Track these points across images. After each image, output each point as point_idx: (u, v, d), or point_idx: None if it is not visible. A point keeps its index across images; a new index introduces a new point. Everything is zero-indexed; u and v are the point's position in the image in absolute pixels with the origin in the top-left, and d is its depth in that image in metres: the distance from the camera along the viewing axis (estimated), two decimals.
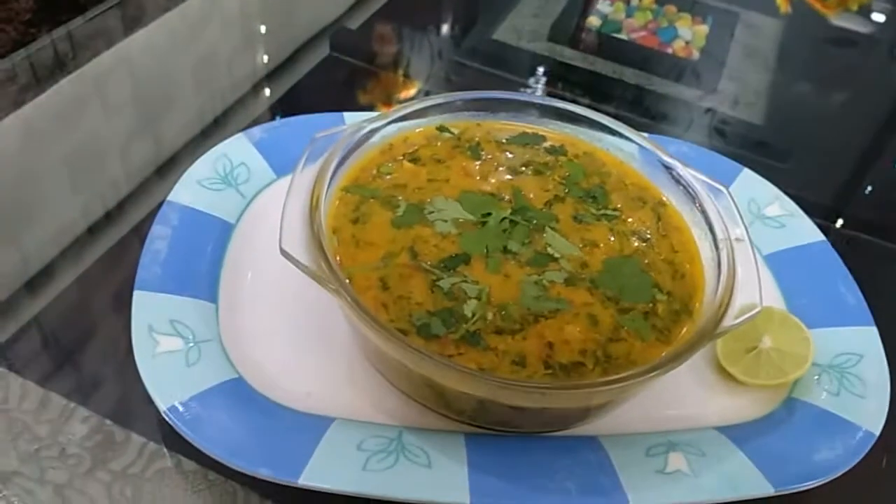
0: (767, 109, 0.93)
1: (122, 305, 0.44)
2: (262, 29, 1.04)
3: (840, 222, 0.69)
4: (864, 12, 1.22)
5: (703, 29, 1.04)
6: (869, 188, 0.82)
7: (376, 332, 0.37)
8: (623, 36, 1.01)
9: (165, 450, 0.43)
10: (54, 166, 0.66)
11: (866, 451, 0.42)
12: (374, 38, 0.98)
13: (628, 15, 1.06)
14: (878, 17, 1.22)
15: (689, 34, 1.03)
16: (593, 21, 1.03)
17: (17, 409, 0.44)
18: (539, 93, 0.88)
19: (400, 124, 0.50)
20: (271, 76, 0.96)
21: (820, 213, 0.61)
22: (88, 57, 0.81)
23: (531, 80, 0.93)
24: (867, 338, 0.47)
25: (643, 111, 0.90)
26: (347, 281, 0.40)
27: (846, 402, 0.44)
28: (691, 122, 0.90)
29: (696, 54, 1.00)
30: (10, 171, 0.63)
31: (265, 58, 1.00)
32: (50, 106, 0.74)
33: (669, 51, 1.00)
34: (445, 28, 1.04)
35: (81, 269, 0.54)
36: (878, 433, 0.42)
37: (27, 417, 0.44)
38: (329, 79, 0.90)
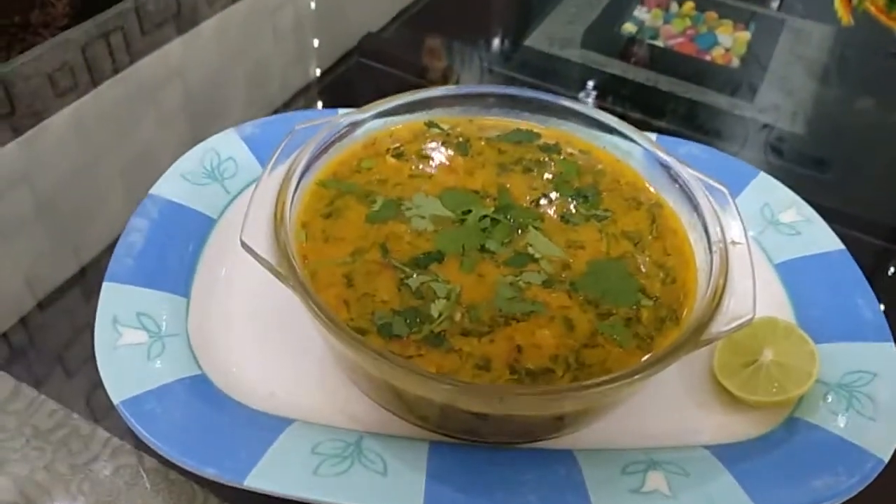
0: (810, 120, 0.89)
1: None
2: (307, 37, 1.05)
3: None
4: None
5: (745, 36, 1.01)
6: None
7: (330, 330, 0.35)
8: (659, 43, 0.99)
9: (129, 446, 0.42)
10: (107, 170, 0.67)
11: (872, 478, 0.38)
12: (401, 44, 0.98)
13: (666, 21, 1.03)
14: None
15: (730, 41, 1.00)
16: (629, 27, 1.01)
17: None
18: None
19: (386, 119, 0.48)
20: (314, 82, 0.97)
21: (846, 223, 0.57)
22: (138, 61, 0.83)
23: (561, 87, 0.91)
24: (883, 355, 0.43)
25: (677, 119, 0.87)
26: (309, 276, 0.38)
27: (854, 424, 0.40)
28: (726, 131, 0.87)
29: (735, 62, 0.97)
30: (65, 166, 0.64)
31: (309, 64, 1.01)
32: (100, 106, 0.76)
33: (708, 58, 0.97)
34: (474, 36, 1.03)
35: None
36: (887, 459, 0.38)
37: None
38: (354, 82, 0.90)
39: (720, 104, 0.88)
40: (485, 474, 0.37)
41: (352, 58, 0.93)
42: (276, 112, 0.81)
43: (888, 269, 0.64)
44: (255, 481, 0.35)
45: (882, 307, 0.46)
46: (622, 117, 0.83)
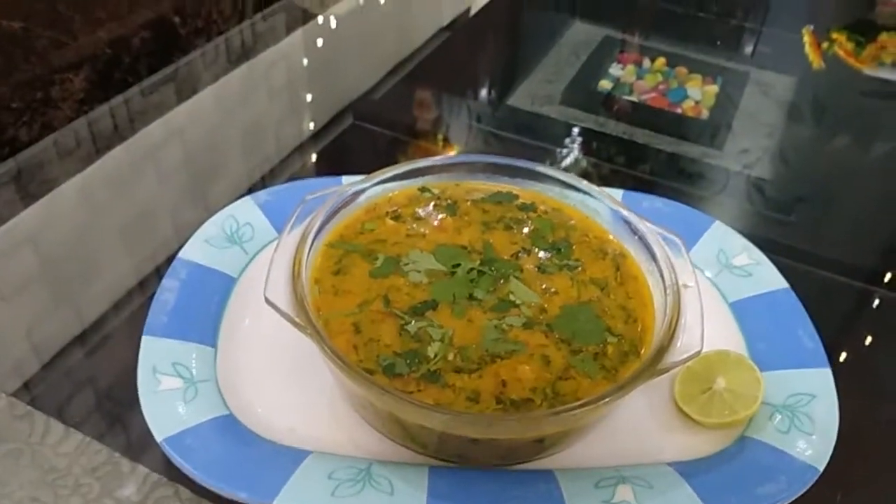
0: (775, 165, 0.96)
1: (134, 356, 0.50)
2: (302, 96, 1.12)
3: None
4: None
5: (713, 89, 1.08)
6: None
7: (343, 370, 0.42)
8: (634, 98, 1.06)
9: (165, 479, 0.48)
10: (109, 230, 0.73)
11: (809, 485, 0.44)
12: (394, 107, 1.05)
13: (639, 77, 1.11)
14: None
15: (699, 94, 1.07)
16: (605, 84, 1.08)
17: (41, 443, 0.50)
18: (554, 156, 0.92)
19: (384, 185, 0.55)
20: (308, 142, 1.04)
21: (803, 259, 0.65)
22: (140, 126, 0.90)
23: (542, 142, 0.98)
24: (821, 379, 0.50)
25: (652, 169, 0.94)
26: (323, 326, 0.45)
27: (795, 440, 0.46)
28: (697, 178, 0.93)
29: (705, 113, 1.04)
30: (68, 234, 0.71)
31: (304, 123, 1.08)
32: (105, 173, 0.82)
33: (679, 111, 1.04)
34: (461, 97, 1.11)
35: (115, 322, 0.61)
36: (821, 468, 0.45)
37: (47, 451, 0.49)
38: (350, 145, 0.97)
39: (692, 153, 0.95)
40: (477, 492, 0.43)
41: (346, 118, 1.00)
42: (273, 169, 0.88)
43: (840, 300, 0.70)
44: (283, 502, 0.41)
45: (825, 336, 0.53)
46: (600, 169, 0.91)
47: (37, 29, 1.07)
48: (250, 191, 0.81)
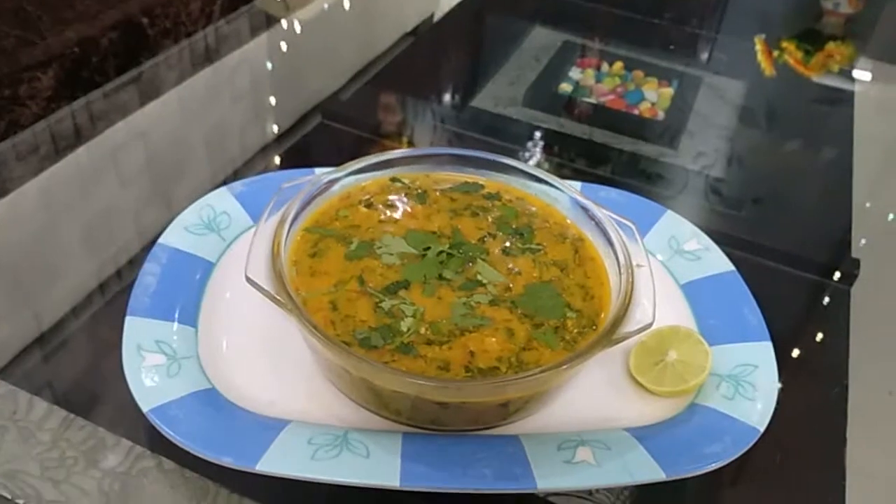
0: (725, 163, 1.02)
1: (115, 339, 0.52)
2: (268, 99, 1.14)
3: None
4: (845, 72, 1.32)
5: (669, 91, 1.13)
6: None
7: (323, 343, 0.45)
8: (592, 100, 1.10)
9: (148, 452, 0.50)
10: (70, 231, 0.75)
11: (750, 444, 0.48)
12: (361, 107, 1.08)
13: (598, 80, 1.15)
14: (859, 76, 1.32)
15: (655, 96, 1.12)
16: (565, 87, 1.12)
17: (25, 419, 0.52)
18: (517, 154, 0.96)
19: (357, 176, 0.58)
20: (273, 144, 1.06)
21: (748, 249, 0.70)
22: (104, 127, 0.91)
23: (506, 142, 1.01)
24: (763, 351, 0.54)
25: (610, 167, 0.98)
26: (302, 303, 0.48)
27: (739, 405, 0.51)
28: (653, 175, 0.98)
29: (661, 115, 1.08)
30: (28, 235, 0.72)
31: (270, 125, 1.10)
32: (67, 174, 0.83)
33: (636, 112, 1.08)
34: (427, 98, 1.14)
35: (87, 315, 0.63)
36: (762, 429, 0.49)
37: (32, 426, 0.51)
38: (318, 142, 1.00)
39: (648, 152, 1.00)
40: (447, 454, 0.46)
41: (314, 118, 1.02)
42: (237, 170, 0.90)
43: (781, 285, 0.76)
44: (265, 466, 0.43)
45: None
46: (562, 167, 0.95)
47: (4, 28, 1.08)
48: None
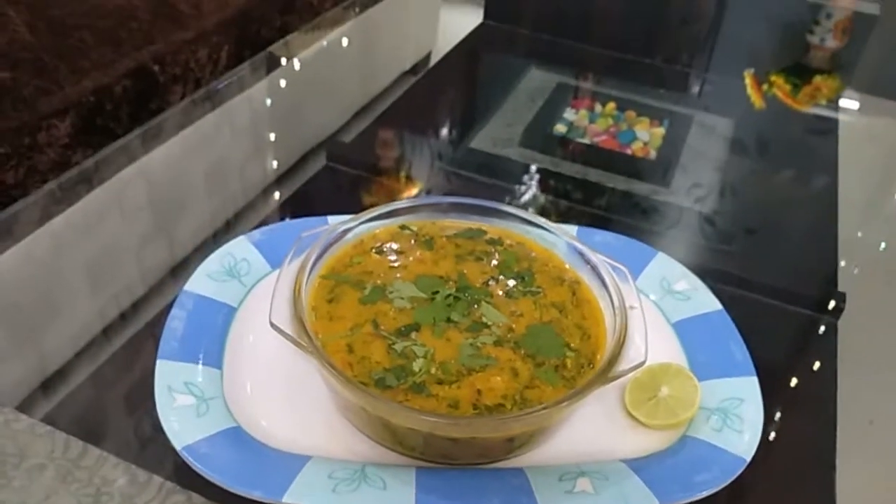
0: (716, 200, 1.06)
1: (144, 379, 0.56)
2: (270, 138, 1.19)
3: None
4: (832, 106, 1.38)
5: (660, 131, 1.18)
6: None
7: (342, 384, 0.49)
8: (586, 140, 1.15)
9: (178, 487, 0.54)
10: (77, 273, 0.78)
11: (738, 473, 0.52)
12: (364, 150, 1.13)
13: (591, 121, 1.20)
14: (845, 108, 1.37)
15: (647, 136, 1.16)
16: (560, 128, 1.17)
17: (62, 457, 0.55)
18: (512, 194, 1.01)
19: (369, 224, 0.63)
20: (277, 182, 1.10)
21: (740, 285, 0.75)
22: (112, 172, 0.96)
23: (503, 182, 1.06)
24: (748, 385, 0.58)
25: (604, 206, 1.03)
26: (321, 346, 0.52)
27: (727, 437, 0.54)
28: (646, 213, 1.02)
29: (653, 154, 1.13)
30: (36, 279, 0.76)
31: (274, 164, 1.15)
32: (76, 218, 0.87)
33: (629, 151, 1.13)
34: (427, 140, 1.19)
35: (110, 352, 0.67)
36: (748, 459, 0.53)
37: (70, 464, 0.55)
38: (325, 186, 1.04)
39: (641, 191, 1.05)
40: (459, 486, 0.50)
41: (318, 160, 1.07)
42: (243, 208, 0.94)
43: (768, 320, 0.80)
44: (290, 498, 0.47)
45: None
46: (557, 205, 0.99)
47: (24, 77, 1.13)
48: (227, 227, 0.87)
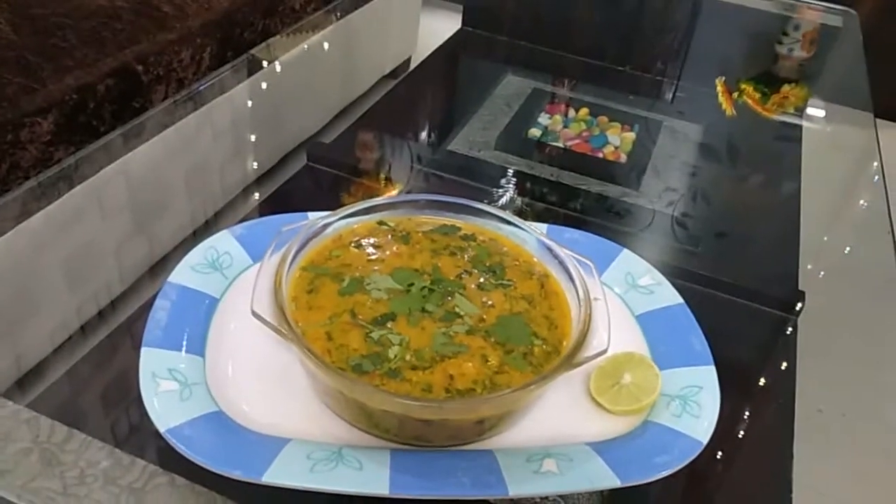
0: (683, 203, 1.10)
1: (125, 372, 0.58)
2: (251, 139, 1.21)
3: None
4: (798, 114, 1.43)
5: (631, 136, 1.22)
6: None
7: (321, 369, 0.51)
8: (560, 144, 1.18)
9: (161, 469, 0.56)
10: (54, 271, 0.80)
11: (695, 455, 0.55)
12: (344, 151, 1.15)
13: (565, 126, 1.23)
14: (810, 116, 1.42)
15: (618, 140, 1.20)
16: (534, 132, 1.21)
17: (47, 441, 0.57)
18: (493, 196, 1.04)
19: (348, 220, 0.65)
20: (258, 182, 1.12)
21: (702, 282, 0.78)
22: (94, 170, 0.97)
23: (479, 183, 1.09)
24: (707, 374, 0.61)
25: (576, 207, 1.06)
26: (301, 334, 0.54)
27: (685, 421, 0.58)
28: (616, 215, 1.06)
29: (623, 157, 1.17)
30: (14, 276, 0.77)
31: (254, 164, 1.17)
32: (56, 215, 0.89)
33: (600, 155, 1.17)
34: (406, 142, 1.22)
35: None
36: (705, 442, 0.56)
37: (55, 448, 0.57)
38: (305, 185, 1.07)
39: (611, 193, 1.08)
40: (431, 466, 0.53)
41: (299, 160, 1.09)
42: (224, 208, 0.96)
43: (727, 314, 0.84)
44: (270, 478, 0.49)
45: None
46: (532, 207, 1.03)
47: (7, 75, 1.14)
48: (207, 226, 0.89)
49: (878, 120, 1.35)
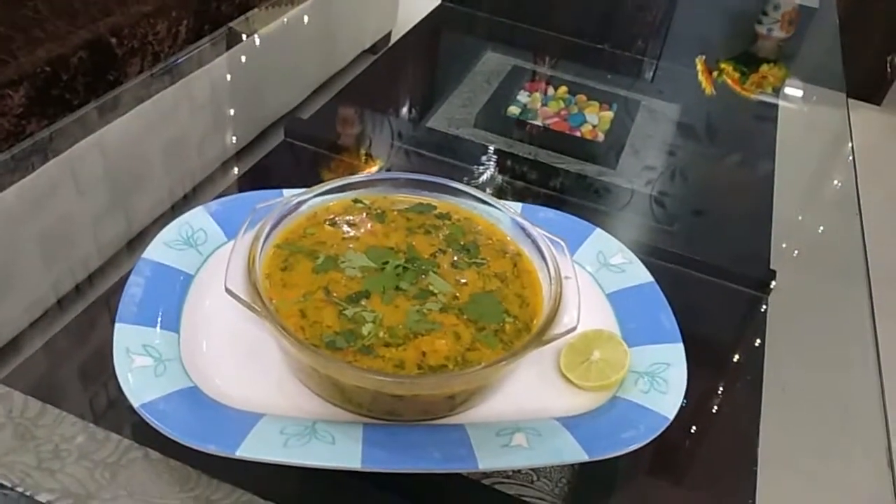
0: (660, 182, 1.11)
1: (100, 348, 0.58)
2: (229, 113, 1.20)
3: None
4: (776, 93, 1.44)
5: (609, 115, 1.22)
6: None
7: (294, 345, 0.52)
8: (538, 122, 1.19)
9: (136, 444, 0.56)
10: (30, 245, 0.79)
11: (661, 430, 0.56)
12: (322, 127, 1.15)
13: (543, 104, 1.23)
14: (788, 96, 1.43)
15: (596, 119, 1.20)
16: (513, 110, 1.21)
17: (21, 417, 0.57)
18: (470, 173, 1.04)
19: (323, 197, 0.65)
20: (236, 157, 1.11)
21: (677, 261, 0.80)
22: (68, 144, 0.96)
23: (458, 161, 1.09)
24: (675, 351, 0.62)
25: (554, 185, 1.07)
26: (275, 311, 0.54)
27: (653, 397, 0.59)
28: (593, 193, 1.06)
29: (601, 136, 1.17)
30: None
31: (233, 139, 1.16)
32: (29, 189, 0.88)
33: (578, 134, 1.17)
34: (385, 118, 1.21)
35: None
36: (671, 418, 0.57)
37: (28, 423, 0.57)
38: (282, 161, 1.06)
39: (589, 172, 1.09)
40: (402, 440, 0.53)
41: (277, 136, 1.09)
42: (202, 182, 0.96)
43: (703, 294, 0.85)
44: (244, 452, 0.50)
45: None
46: (511, 185, 1.03)
47: None
48: (185, 200, 0.89)
49: (850, 100, 1.37)
